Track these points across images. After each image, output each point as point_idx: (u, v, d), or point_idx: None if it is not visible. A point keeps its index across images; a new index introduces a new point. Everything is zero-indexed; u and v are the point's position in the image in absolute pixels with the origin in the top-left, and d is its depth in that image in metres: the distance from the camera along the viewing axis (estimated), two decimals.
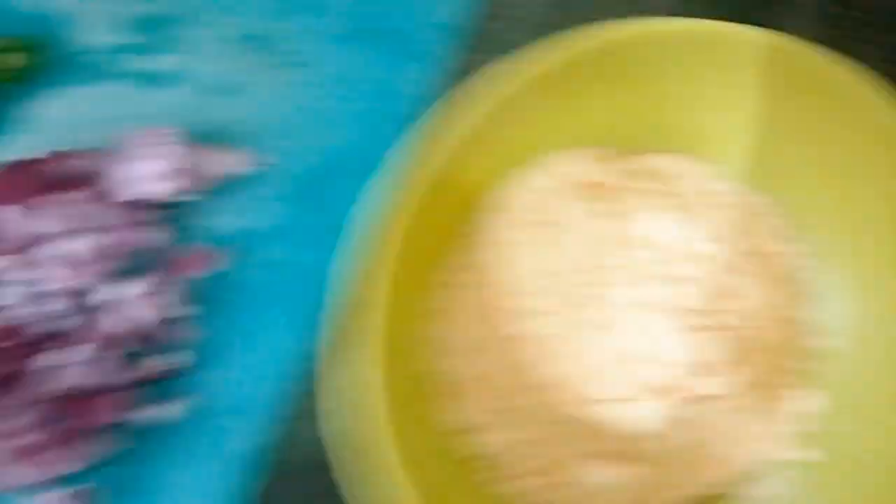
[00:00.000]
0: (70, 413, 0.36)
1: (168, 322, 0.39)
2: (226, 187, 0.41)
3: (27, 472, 0.35)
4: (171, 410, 0.38)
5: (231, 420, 0.38)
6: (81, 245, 0.37)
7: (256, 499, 0.38)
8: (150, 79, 0.42)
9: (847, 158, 0.35)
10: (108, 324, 0.37)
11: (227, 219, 0.40)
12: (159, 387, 0.39)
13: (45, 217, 0.37)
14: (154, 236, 0.39)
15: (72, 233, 0.37)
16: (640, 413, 0.35)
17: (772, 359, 0.36)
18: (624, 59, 0.35)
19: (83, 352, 0.36)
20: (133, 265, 0.39)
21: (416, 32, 0.44)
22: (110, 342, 0.37)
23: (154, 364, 0.38)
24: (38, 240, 0.37)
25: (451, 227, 0.38)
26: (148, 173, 0.38)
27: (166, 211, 0.40)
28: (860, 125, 0.34)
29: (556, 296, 0.36)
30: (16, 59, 0.40)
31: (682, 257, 0.36)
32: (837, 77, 0.33)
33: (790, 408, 0.37)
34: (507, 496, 0.36)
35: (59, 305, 0.36)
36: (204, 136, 0.41)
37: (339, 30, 0.44)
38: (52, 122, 0.41)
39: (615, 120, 0.38)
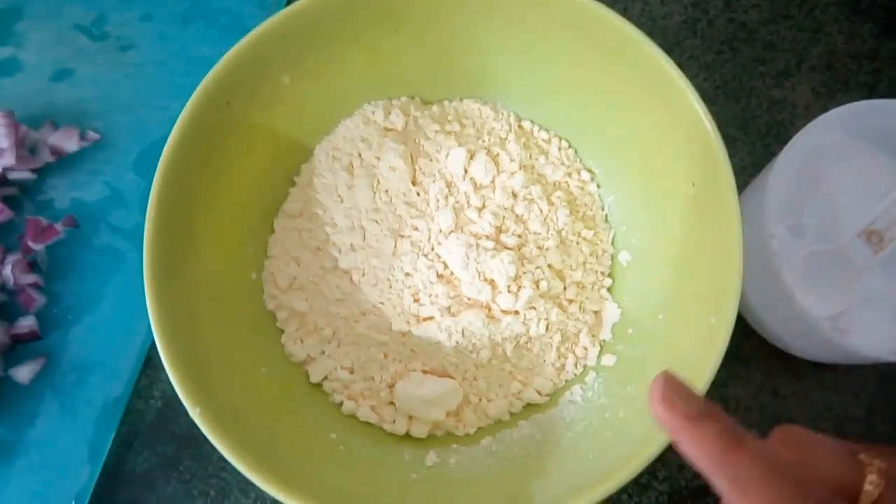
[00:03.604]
0: None
1: (11, 292, 0.41)
2: (59, 164, 0.43)
3: None
4: (21, 373, 0.40)
5: (80, 377, 0.41)
6: None
7: (113, 449, 0.40)
8: None
9: (611, 90, 0.38)
10: None
11: (61, 192, 0.43)
12: (8, 352, 0.40)
13: None
14: None
15: None
16: (444, 332, 0.37)
17: (566, 276, 0.39)
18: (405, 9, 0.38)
19: None
20: None
21: (243, 10, 0.47)
22: None
23: (1, 332, 0.40)
24: None
25: (287, 177, 0.41)
26: None
27: (2, 188, 0.42)
28: (617, 58, 0.36)
29: (370, 231, 0.39)
30: None
31: (477, 189, 0.39)
32: (598, 15, 0.35)
33: (592, 320, 0.39)
34: (351, 415, 0.38)
35: None
36: (35, 119, 0.43)
37: (174, 13, 0.47)
38: None
39: (416, 72, 0.41)
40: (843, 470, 0.26)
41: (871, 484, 0.25)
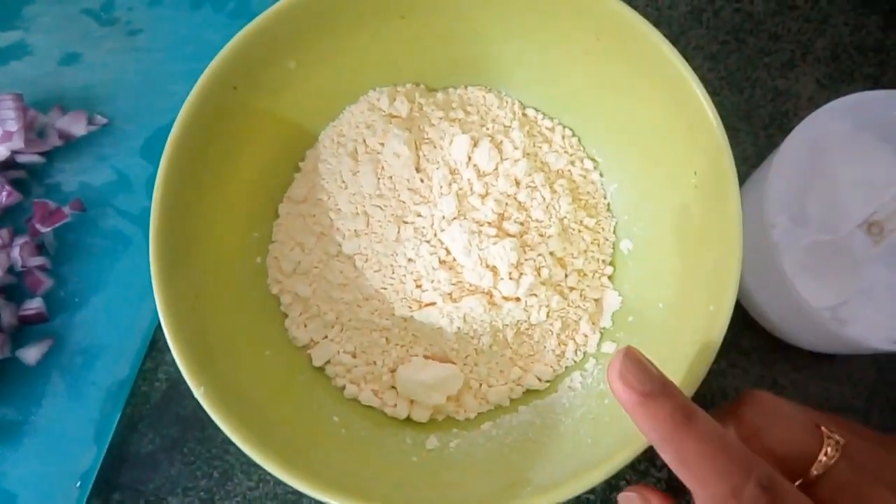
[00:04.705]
0: None
1: (19, 274, 0.41)
2: (67, 147, 0.43)
3: None
4: (28, 355, 0.40)
5: (86, 359, 0.41)
6: None
7: (118, 430, 0.41)
8: None
9: (616, 79, 0.38)
10: None
11: (69, 176, 0.43)
12: (16, 333, 0.41)
13: None
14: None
15: None
16: (445, 317, 0.37)
17: (567, 263, 0.39)
18: None
19: None
20: None
21: None
22: None
23: (9, 313, 0.40)
24: None
25: (292, 162, 0.42)
26: None
27: (10, 171, 0.42)
28: (622, 47, 0.36)
29: (374, 217, 0.39)
30: None
31: (480, 176, 0.39)
32: (603, 4, 0.35)
33: (593, 308, 0.40)
34: (353, 399, 0.39)
35: None
36: (43, 102, 0.43)
37: None
38: None
39: (421, 58, 0.41)
40: (801, 438, 0.28)
41: (826, 456, 0.27)
